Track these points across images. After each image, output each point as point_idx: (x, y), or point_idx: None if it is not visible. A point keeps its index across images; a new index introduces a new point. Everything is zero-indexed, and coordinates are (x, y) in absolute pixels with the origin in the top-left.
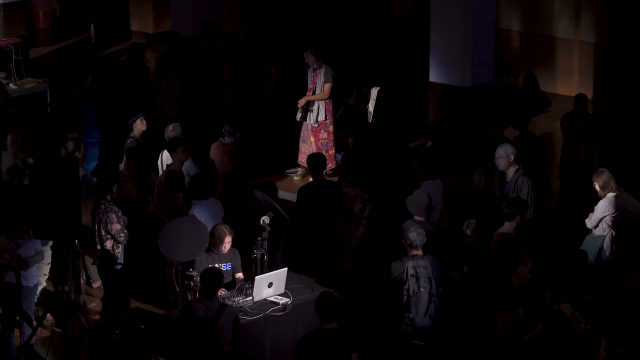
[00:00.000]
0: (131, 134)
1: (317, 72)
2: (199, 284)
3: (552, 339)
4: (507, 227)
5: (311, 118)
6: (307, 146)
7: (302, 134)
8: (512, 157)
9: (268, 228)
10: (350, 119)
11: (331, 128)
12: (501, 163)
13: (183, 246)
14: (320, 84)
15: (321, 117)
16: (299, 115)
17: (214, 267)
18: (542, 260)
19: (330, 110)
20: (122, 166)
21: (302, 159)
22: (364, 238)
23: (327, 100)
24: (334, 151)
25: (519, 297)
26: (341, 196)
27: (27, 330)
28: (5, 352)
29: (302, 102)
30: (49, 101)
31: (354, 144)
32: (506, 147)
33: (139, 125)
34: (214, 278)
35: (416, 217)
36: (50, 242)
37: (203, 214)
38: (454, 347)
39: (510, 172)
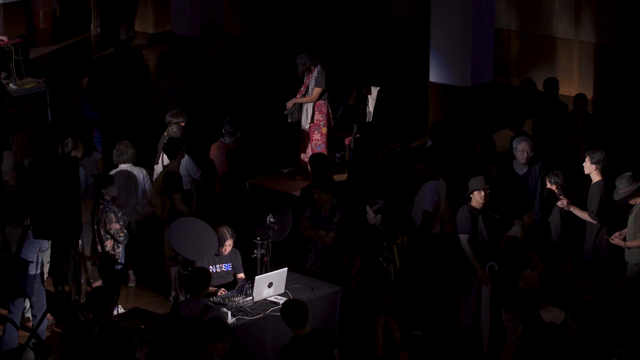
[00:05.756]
0: (165, 134)
1: (310, 74)
2: None
3: (531, 342)
4: (515, 230)
5: (304, 119)
6: (304, 146)
7: (301, 135)
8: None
9: (275, 227)
10: (350, 119)
11: (324, 130)
12: (525, 156)
13: (191, 245)
14: (311, 87)
15: (310, 120)
16: (289, 117)
17: (202, 267)
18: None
19: (323, 112)
20: (159, 164)
21: (305, 158)
22: (334, 243)
23: (319, 102)
24: (327, 153)
25: (525, 300)
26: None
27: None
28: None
29: (289, 104)
30: (48, 101)
31: (355, 143)
32: (528, 140)
33: (175, 128)
34: (200, 277)
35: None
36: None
37: None
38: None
39: (525, 167)
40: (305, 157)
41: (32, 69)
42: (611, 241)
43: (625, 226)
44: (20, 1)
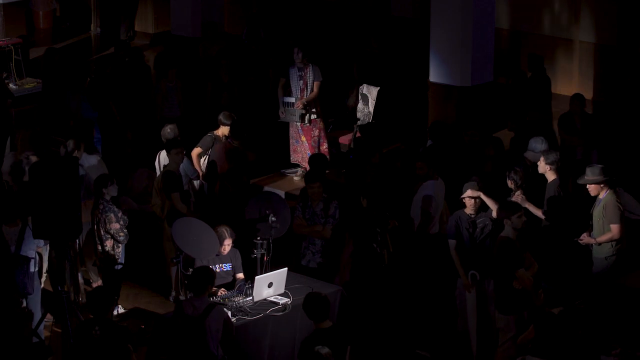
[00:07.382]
0: (216, 131)
1: (305, 71)
2: None
3: (543, 342)
4: (507, 230)
5: (306, 117)
6: (300, 145)
7: (292, 134)
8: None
9: (278, 226)
10: (350, 119)
11: (322, 124)
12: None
13: (195, 244)
14: (310, 82)
15: (317, 115)
16: (295, 118)
17: (205, 266)
18: (541, 262)
19: (317, 108)
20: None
21: (297, 157)
22: (331, 235)
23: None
24: (326, 146)
25: (520, 301)
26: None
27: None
28: None
29: (299, 105)
30: (45, 101)
31: (355, 143)
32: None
33: (225, 130)
34: (204, 275)
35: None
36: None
37: None
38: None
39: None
40: (307, 155)
41: (32, 69)
42: (580, 242)
43: (581, 225)
44: (20, 1)
